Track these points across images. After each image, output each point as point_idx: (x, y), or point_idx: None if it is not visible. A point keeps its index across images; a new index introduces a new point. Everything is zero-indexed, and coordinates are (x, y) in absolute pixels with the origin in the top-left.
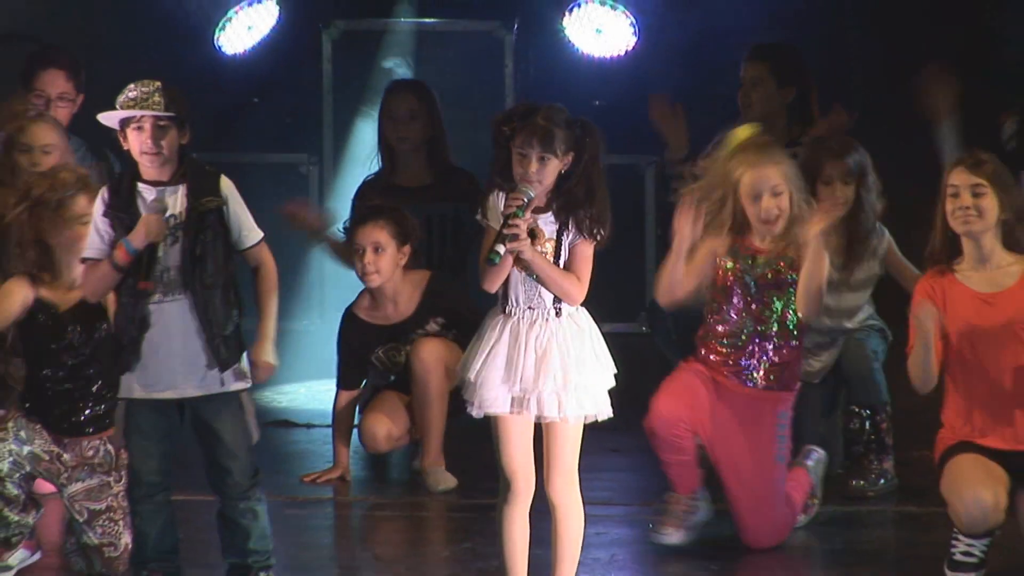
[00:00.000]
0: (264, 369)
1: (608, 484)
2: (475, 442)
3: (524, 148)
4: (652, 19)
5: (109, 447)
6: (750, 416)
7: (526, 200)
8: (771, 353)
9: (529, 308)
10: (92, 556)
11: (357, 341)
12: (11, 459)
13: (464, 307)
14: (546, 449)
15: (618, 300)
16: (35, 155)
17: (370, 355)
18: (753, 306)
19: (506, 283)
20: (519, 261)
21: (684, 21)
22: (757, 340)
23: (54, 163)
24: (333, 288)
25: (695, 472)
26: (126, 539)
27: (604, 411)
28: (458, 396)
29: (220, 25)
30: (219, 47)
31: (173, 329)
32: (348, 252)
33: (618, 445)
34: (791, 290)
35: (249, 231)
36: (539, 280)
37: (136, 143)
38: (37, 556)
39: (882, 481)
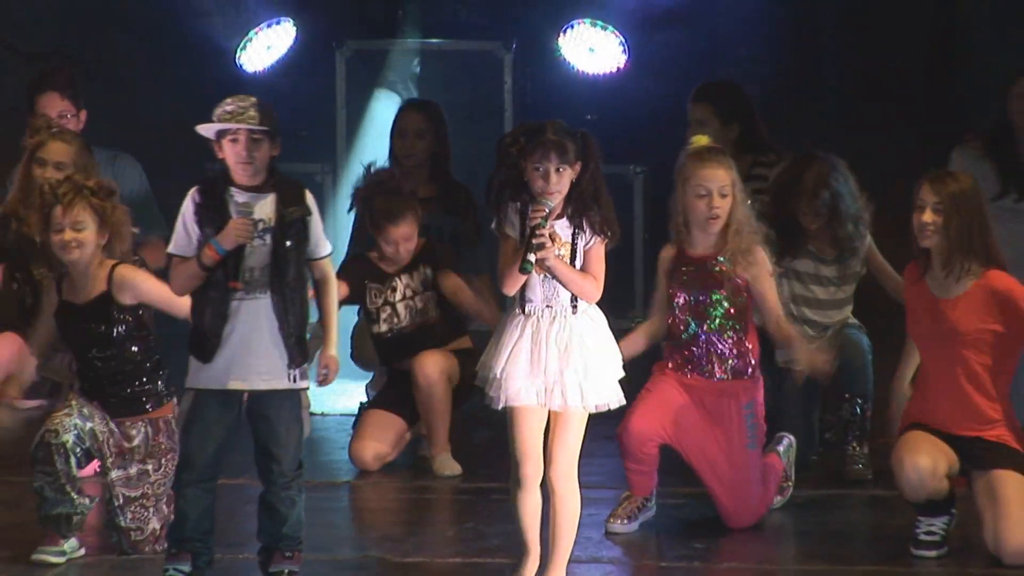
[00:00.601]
0: (333, 371)
1: (600, 469)
2: (477, 434)
3: (541, 163)
4: (640, 39)
5: (149, 429)
6: (718, 411)
7: (547, 210)
8: (720, 346)
9: (548, 307)
10: (120, 536)
11: (358, 269)
12: (75, 432)
13: (444, 253)
14: (552, 436)
15: (611, 298)
16: (47, 170)
17: (365, 281)
18: (695, 306)
19: (524, 286)
20: (541, 265)
21: (670, 41)
22: (705, 336)
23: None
24: None
25: (652, 480)
26: (153, 524)
27: (617, 400)
28: (458, 392)
29: (241, 45)
30: (240, 65)
31: (253, 326)
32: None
33: (610, 433)
34: (728, 288)
35: (323, 244)
36: (560, 281)
37: (231, 153)
38: (82, 551)
39: (863, 465)
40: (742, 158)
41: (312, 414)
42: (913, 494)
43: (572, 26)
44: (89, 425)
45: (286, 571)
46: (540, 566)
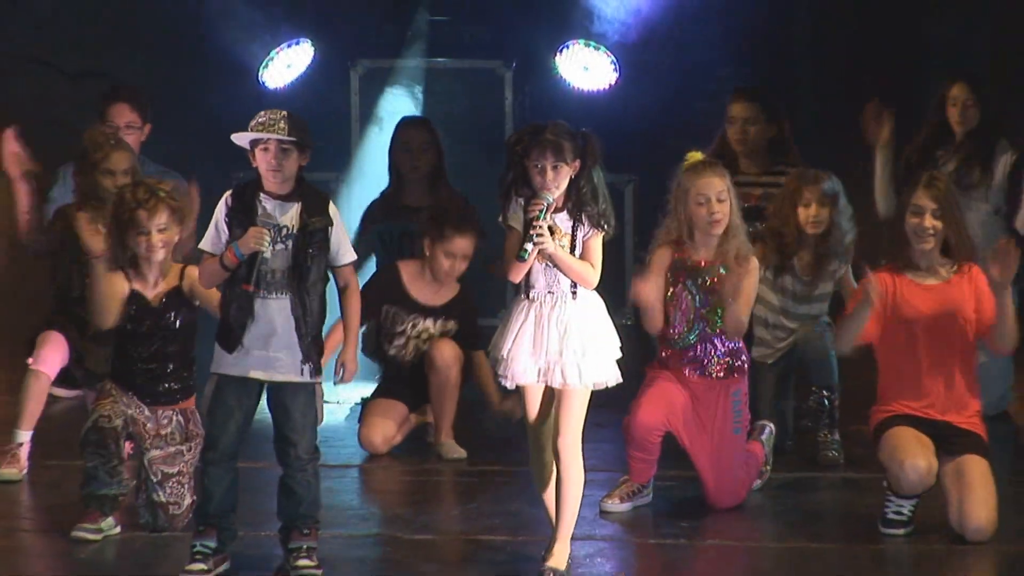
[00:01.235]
0: (350, 371)
1: (593, 453)
2: (479, 421)
3: (539, 160)
4: (631, 58)
5: (180, 418)
6: (709, 400)
7: (546, 204)
8: (720, 348)
9: (550, 293)
10: (158, 511)
11: (384, 287)
12: (123, 418)
13: (473, 324)
14: (558, 410)
15: (603, 296)
16: (117, 178)
17: (384, 301)
18: (701, 311)
19: (528, 273)
20: (543, 254)
21: (657, 59)
22: (707, 339)
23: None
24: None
25: (652, 469)
26: (188, 499)
27: (614, 378)
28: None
29: (264, 64)
30: (263, 82)
31: (274, 323)
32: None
33: (602, 421)
34: (729, 295)
35: (346, 252)
36: (560, 269)
37: (262, 162)
38: (118, 529)
39: (835, 450)
40: (771, 156)
41: (326, 402)
42: (911, 491)
43: (567, 46)
44: (129, 411)
45: (304, 547)
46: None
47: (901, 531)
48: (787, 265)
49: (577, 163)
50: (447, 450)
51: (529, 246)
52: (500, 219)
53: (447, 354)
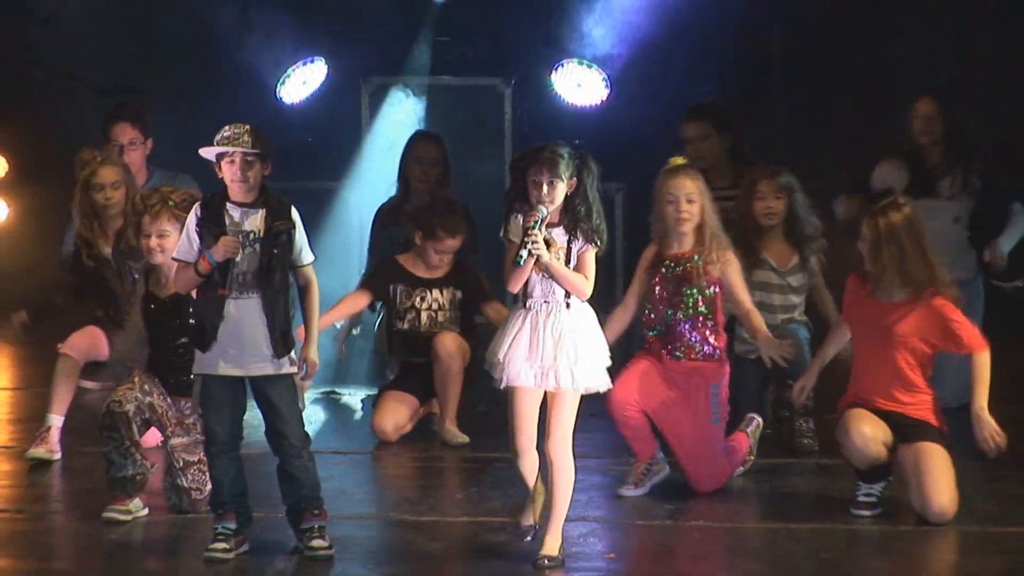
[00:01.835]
0: (311, 365)
1: (586, 441)
2: (481, 411)
3: (537, 176)
4: (620, 76)
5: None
6: (688, 390)
7: (541, 216)
8: (691, 332)
9: (545, 302)
10: (182, 496)
11: (388, 272)
12: (136, 403)
13: (477, 282)
14: (549, 414)
15: (595, 295)
16: (107, 191)
17: (390, 282)
18: (672, 298)
19: (527, 284)
20: (539, 265)
21: (644, 78)
22: (679, 324)
23: (123, 197)
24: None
25: (651, 443)
26: (209, 486)
27: (604, 384)
28: (467, 374)
29: (281, 80)
30: (280, 97)
31: (245, 321)
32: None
33: (596, 411)
34: (700, 283)
35: (306, 253)
36: (555, 280)
37: (228, 173)
38: (146, 511)
39: (810, 438)
40: (737, 166)
41: (338, 395)
42: (858, 457)
43: (563, 64)
44: (148, 399)
45: (316, 527)
46: (540, 525)
47: (870, 513)
48: (760, 259)
49: (574, 181)
50: (450, 436)
51: (524, 252)
52: (501, 233)
53: (450, 345)
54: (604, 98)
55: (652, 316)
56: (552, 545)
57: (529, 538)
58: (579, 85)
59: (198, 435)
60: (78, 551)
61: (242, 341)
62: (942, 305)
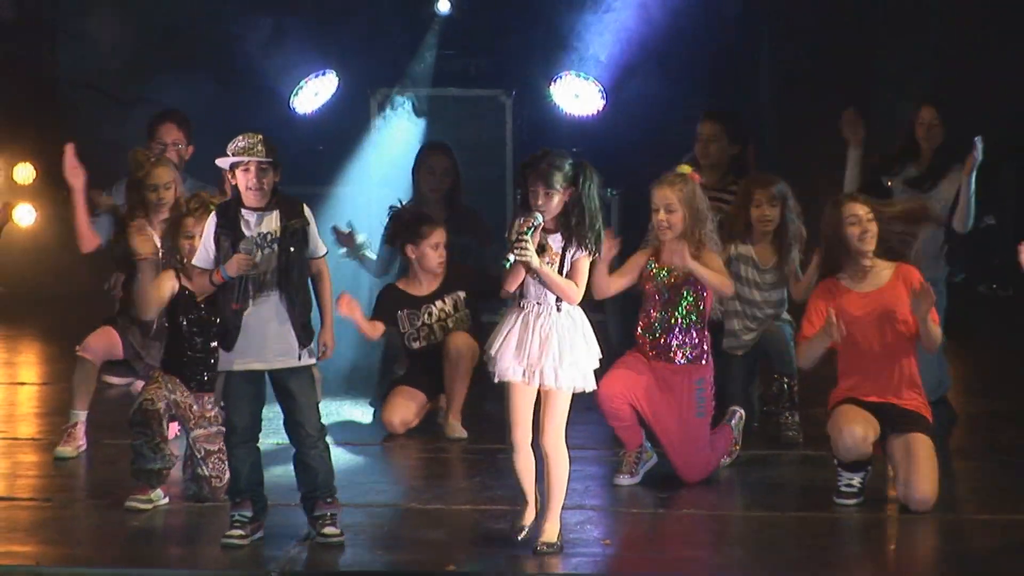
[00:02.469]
0: (330, 347)
1: (582, 433)
2: (486, 405)
3: (534, 186)
4: (615, 87)
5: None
6: (673, 385)
7: (535, 223)
8: (682, 337)
9: (537, 304)
10: (202, 484)
11: (391, 300)
12: (166, 401)
13: (479, 277)
14: (542, 410)
15: (591, 296)
16: (160, 192)
17: (397, 311)
18: (665, 305)
19: (522, 286)
20: (531, 270)
21: (638, 89)
22: (671, 329)
23: (173, 196)
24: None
25: (637, 433)
26: (228, 474)
27: (590, 384)
28: (477, 371)
29: (294, 92)
30: (293, 108)
31: (266, 318)
32: (378, 264)
33: (591, 405)
34: (688, 289)
35: (319, 246)
36: (545, 284)
37: (243, 181)
38: (166, 500)
39: (795, 431)
40: (732, 173)
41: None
42: (847, 455)
43: (561, 76)
44: (173, 396)
45: (328, 514)
46: (538, 514)
47: (852, 502)
48: (746, 256)
49: (570, 191)
50: (450, 430)
51: (512, 256)
52: (506, 235)
53: (460, 345)
54: (600, 108)
55: (645, 322)
56: (551, 532)
57: (520, 537)
58: (576, 96)
59: (219, 426)
60: (100, 538)
61: (264, 337)
62: (908, 269)
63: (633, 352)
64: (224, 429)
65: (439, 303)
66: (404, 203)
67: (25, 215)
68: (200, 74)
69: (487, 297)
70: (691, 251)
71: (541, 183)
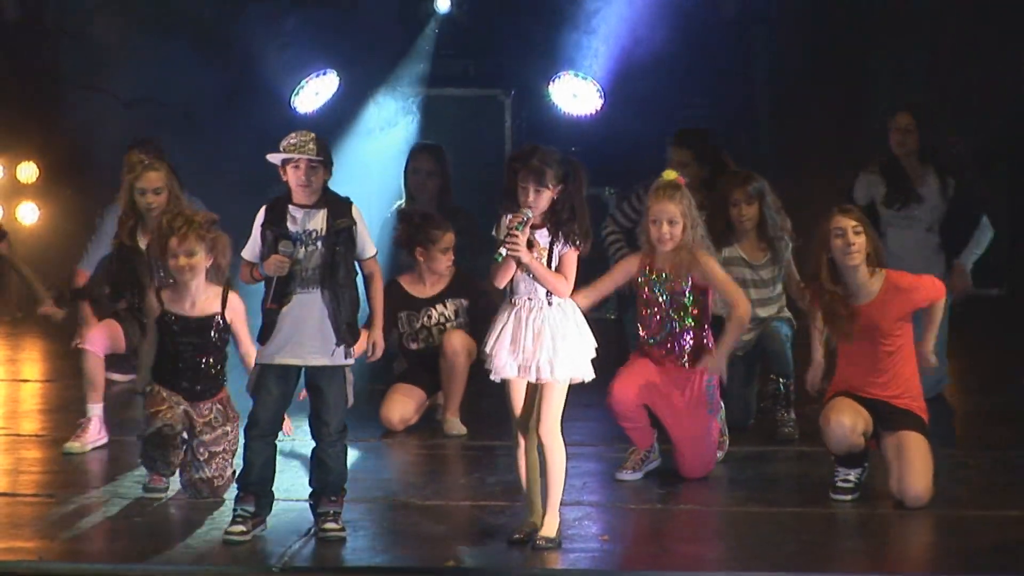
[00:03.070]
0: (379, 347)
1: (581, 430)
2: (483, 403)
3: (524, 182)
4: (613, 87)
5: (219, 405)
6: (684, 383)
7: (524, 219)
8: (688, 340)
9: (528, 299)
10: (202, 487)
11: (392, 299)
12: (183, 423)
13: (478, 287)
14: (538, 403)
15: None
16: (148, 196)
17: (397, 310)
18: (669, 310)
19: (512, 281)
20: (521, 265)
21: (636, 90)
22: (676, 333)
23: (164, 201)
24: None
25: (649, 434)
26: (230, 471)
27: (587, 374)
28: (473, 369)
29: (295, 91)
30: (294, 108)
31: (308, 315)
32: None
33: (590, 402)
34: (690, 294)
35: (367, 247)
36: (535, 279)
37: (293, 178)
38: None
39: (791, 427)
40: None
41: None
42: (837, 446)
43: (559, 76)
44: (182, 408)
45: (331, 511)
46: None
47: (848, 497)
48: (736, 257)
49: (559, 188)
50: (449, 427)
51: (503, 251)
52: (493, 231)
53: (457, 343)
54: (598, 108)
55: (648, 330)
56: (550, 527)
57: (516, 536)
58: (575, 96)
59: (222, 427)
60: (103, 533)
61: (303, 333)
62: (897, 275)
63: (640, 353)
64: (227, 429)
65: (440, 307)
66: (403, 204)
67: (28, 213)
68: (200, 74)
69: (484, 319)
70: (686, 258)
71: (532, 181)
